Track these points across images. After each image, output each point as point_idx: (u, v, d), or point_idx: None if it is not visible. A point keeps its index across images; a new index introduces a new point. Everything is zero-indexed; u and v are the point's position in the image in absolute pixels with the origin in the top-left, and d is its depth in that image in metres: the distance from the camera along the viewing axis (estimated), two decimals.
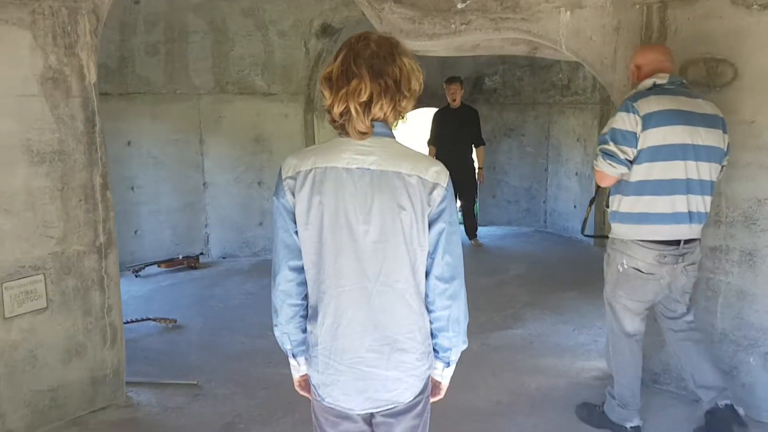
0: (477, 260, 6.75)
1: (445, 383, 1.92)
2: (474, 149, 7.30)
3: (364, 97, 1.62)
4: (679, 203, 2.82)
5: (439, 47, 4.18)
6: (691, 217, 2.86)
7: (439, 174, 1.69)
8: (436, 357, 1.85)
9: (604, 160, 2.85)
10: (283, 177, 1.71)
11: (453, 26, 3.81)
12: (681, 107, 2.80)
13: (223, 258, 6.65)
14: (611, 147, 2.83)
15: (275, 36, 6.23)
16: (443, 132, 7.17)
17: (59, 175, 3.11)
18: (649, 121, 2.76)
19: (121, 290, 3.57)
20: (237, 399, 3.57)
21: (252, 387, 3.69)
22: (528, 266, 6.39)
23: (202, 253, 6.50)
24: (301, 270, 1.75)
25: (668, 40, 3.26)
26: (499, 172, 8.48)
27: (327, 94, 1.68)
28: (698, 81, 3.19)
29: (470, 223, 7.47)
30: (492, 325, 4.77)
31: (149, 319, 4.70)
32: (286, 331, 1.82)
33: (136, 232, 6.29)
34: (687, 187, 2.82)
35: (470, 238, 7.45)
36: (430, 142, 7.34)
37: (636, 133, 2.79)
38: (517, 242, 7.58)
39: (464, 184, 7.26)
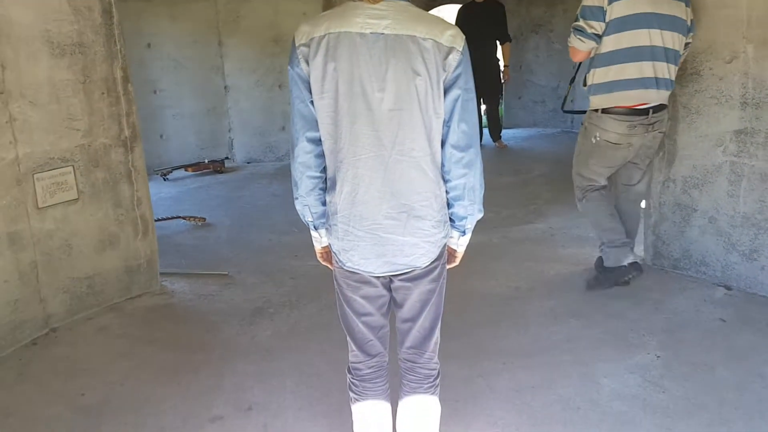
0: (501, 161, 6.74)
1: (460, 251, 1.97)
2: (500, 46, 7.12)
3: None
4: (646, 69, 3.06)
5: None
6: (657, 82, 3.09)
7: (454, 37, 1.66)
8: (452, 226, 1.89)
9: (575, 36, 3.18)
10: (297, 44, 1.69)
11: None
12: None
13: (248, 163, 6.72)
14: (581, 23, 3.13)
15: None
16: (467, 29, 6.71)
17: (80, 68, 3.14)
18: None
19: (151, 192, 3.66)
20: (266, 287, 3.71)
21: (279, 277, 3.82)
22: (552, 166, 6.34)
23: (227, 158, 6.58)
24: (318, 141, 1.77)
25: None
26: (525, 72, 8.29)
27: None
28: None
29: (495, 125, 7.39)
30: (514, 219, 4.81)
31: (179, 217, 4.83)
32: (306, 203, 1.86)
33: (161, 136, 6.36)
34: (652, 53, 3.05)
35: (494, 140, 7.40)
36: None
37: (603, 7, 3.04)
38: (542, 143, 7.50)
39: (489, 85, 7.12)
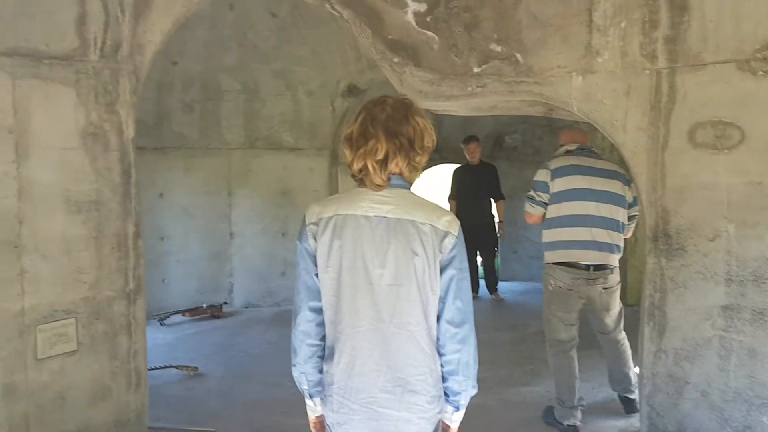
0: (497, 315, 6.79)
1: (454, 428, 1.99)
2: (494, 204, 7.46)
3: (380, 156, 1.78)
4: (584, 233, 3.74)
5: (456, 107, 4.37)
6: (597, 245, 3.73)
7: (450, 223, 1.83)
8: (447, 401, 1.93)
9: (528, 203, 4.05)
10: (307, 222, 1.86)
11: (469, 88, 3.99)
12: (581, 164, 3.84)
13: (246, 307, 6.78)
14: (532, 193, 4.00)
15: (304, 95, 6.52)
16: (463, 188, 7.35)
17: (95, 224, 3.30)
18: (555, 173, 3.87)
19: (147, 337, 3.70)
20: None
21: None
22: None
23: (225, 303, 6.64)
24: (320, 311, 1.88)
25: (677, 104, 3.38)
26: (520, 228, 8.56)
27: (348, 152, 1.84)
28: (707, 143, 3.30)
29: (491, 278, 7.54)
30: (511, 380, 4.78)
31: (172, 366, 4.81)
32: (303, 371, 1.92)
33: (163, 280, 6.47)
34: (590, 221, 3.74)
35: (491, 293, 7.51)
36: (451, 197, 7.51)
37: (546, 182, 3.90)
38: (538, 298, 7.48)
39: (485, 239, 7.40)
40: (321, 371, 1.91)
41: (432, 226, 1.80)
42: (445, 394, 1.92)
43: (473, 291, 7.28)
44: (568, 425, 3.81)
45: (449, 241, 1.81)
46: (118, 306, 3.43)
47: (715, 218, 3.34)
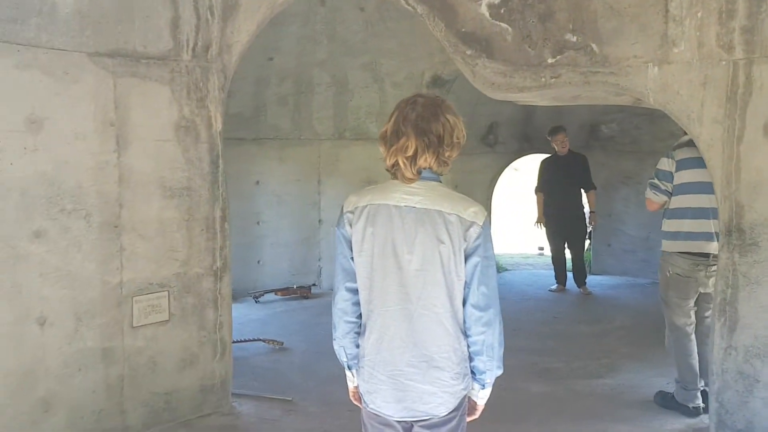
0: (582, 308, 6.72)
1: (481, 404, 2.13)
2: (584, 195, 7.34)
3: (410, 152, 1.94)
4: (706, 225, 3.87)
5: (531, 98, 4.40)
6: (715, 236, 3.79)
7: (476, 214, 1.96)
8: (474, 379, 2.07)
9: (651, 190, 4.16)
10: (344, 211, 2.06)
11: (543, 79, 4.02)
12: (699, 155, 3.69)
13: (332, 289, 7.08)
14: (656, 181, 4.09)
15: (390, 87, 6.71)
16: (551, 179, 7.28)
17: (186, 208, 3.66)
18: (680, 165, 3.98)
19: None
20: (325, 417, 3.90)
21: (339, 408, 4.00)
22: (635, 318, 6.25)
23: (314, 284, 7.00)
24: (355, 291, 2.07)
25: (753, 96, 3.27)
26: (615, 220, 8.35)
27: (382, 149, 2.01)
28: None
29: (579, 271, 7.43)
30: (583, 372, 4.77)
31: (260, 339, 5.19)
32: (342, 345, 2.13)
33: (258, 262, 6.92)
34: (710, 213, 3.82)
35: (578, 286, 7.41)
36: (538, 189, 7.47)
37: (671, 172, 4.01)
38: (630, 293, 7.40)
39: (573, 231, 7.31)
40: (358, 346, 2.10)
41: (458, 216, 1.94)
42: (473, 372, 2.06)
43: (561, 283, 7.38)
44: (693, 407, 3.92)
45: (474, 231, 1.94)
46: (206, 282, 3.79)
47: None
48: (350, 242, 2.04)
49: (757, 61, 3.26)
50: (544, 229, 7.58)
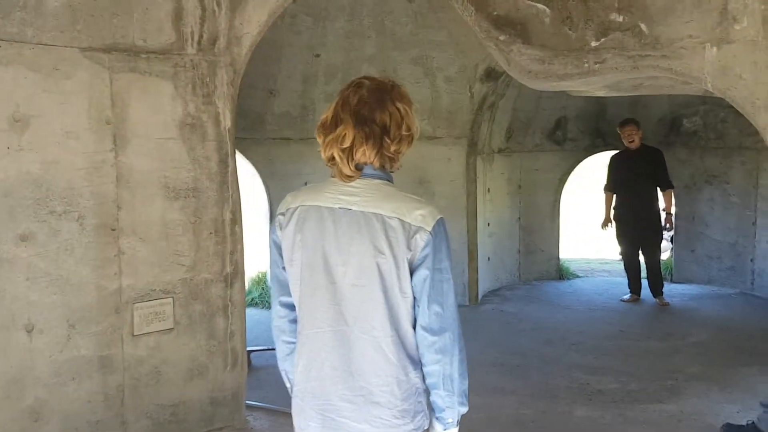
0: (654, 321, 6.10)
1: None
2: (660, 193, 6.68)
3: (346, 144, 1.64)
4: None
5: (575, 87, 3.94)
6: None
7: (424, 217, 1.62)
8: (435, 417, 1.72)
9: None
10: (277, 213, 1.77)
11: (586, 65, 3.57)
12: None
13: None
14: None
15: (442, 82, 6.34)
16: (621, 177, 6.68)
17: (192, 210, 3.48)
18: None
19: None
20: None
21: None
22: (713, 333, 5.58)
23: None
24: (292, 307, 1.79)
25: None
26: (698, 224, 7.57)
27: (319, 139, 1.70)
28: None
29: (655, 279, 6.76)
30: (641, 395, 4.24)
31: None
32: (284, 368, 1.85)
33: None
34: None
35: (654, 296, 6.74)
36: (607, 188, 6.89)
37: None
38: (712, 304, 6.66)
39: (647, 235, 6.68)
40: None
41: (401, 220, 1.61)
42: (433, 410, 1.71)
43: (634, 293, 6.74)
44: None
45: (421, 238, 1.60)
46: (215, 288, 3.60)
47: None
48: (281, 249, 1.75)
49: None
50: (614, 231, 6.97)
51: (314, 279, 1.67)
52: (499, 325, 5.89)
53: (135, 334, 3.34)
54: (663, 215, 6.78)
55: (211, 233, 3.56)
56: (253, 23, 3.56)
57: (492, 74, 6.06)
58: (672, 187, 6.81)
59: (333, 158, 1.67)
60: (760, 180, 6.92)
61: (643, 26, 3.35)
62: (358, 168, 1.66)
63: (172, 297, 3.46)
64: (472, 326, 5.79)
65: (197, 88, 3.45)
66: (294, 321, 1.79)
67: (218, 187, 3.57)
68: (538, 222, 7.75)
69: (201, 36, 3.42)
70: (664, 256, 7.74)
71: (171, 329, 3.46)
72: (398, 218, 1.61)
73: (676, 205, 7.40)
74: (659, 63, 3.33)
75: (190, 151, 3.46)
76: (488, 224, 7.03)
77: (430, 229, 1.61)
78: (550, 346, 5.26)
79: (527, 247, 7.74)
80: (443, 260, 1.63)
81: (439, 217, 1.65)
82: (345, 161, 1.64)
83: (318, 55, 6.31)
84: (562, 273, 7.99)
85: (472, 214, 6.53)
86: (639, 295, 6.86)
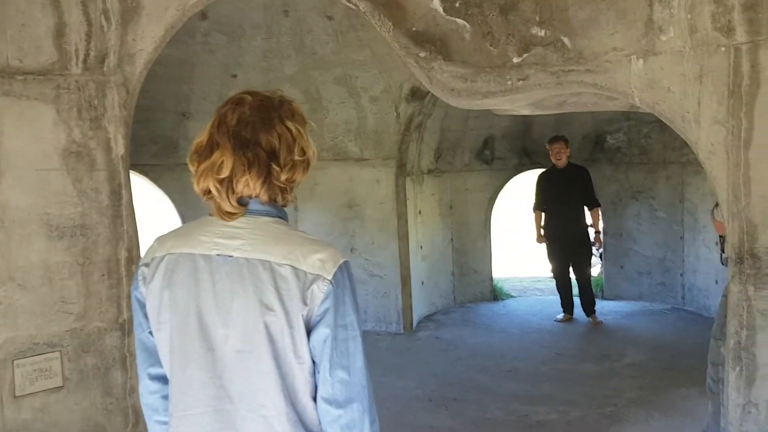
0: (589, 342, 5.98)
1: None
2: (588, 212, 6.65)
3: (224, 173, 1.33)
4: None
5: (500, 105, 3.76)
6: None
7: (323, 263, 1.33)
8: None
9: (717, 210, 3.36)
10: (140, 263, 1.44)
11: (509, 82, 3.38)
12: None
13: None
14: None
15: (367, 102, 6.12)
16: (549, 195, 6.61)
17: (80, 250, 3.07)
18: None
19: None
20: None
21: None
22: (649, 353, 5.50)
23: None
24: (166, 379, 1.44)
25: (762, 87, 2.59)
26: (626, 240, 7.60)
27: (192, 169, 1.39)
28: None
29: (587, 298, 6.69)
30: (582, 425, 4.05)
31: None
32: None
33: None
34: None
35: (587, 315, 6.66)
36: (536, 207, 6.81)
37: None
38: (645, 322, 6.62)
39: (576, 253, 6.62)
40: None
41: (293, 268, 1.31)
42: None
43: (567, 312, 6.63)
44: None
45: (320, 289, 1.32)
46: (110, 338, 3.18)
47: None
48: (145, 309, 1.42)
49: (764, 44, 2.59)
50: (545, 249, 6.88)
51: (187, 347, 1.35)
52: (434, 353, 5.64)
53: (17, 395, 2.89)
54: (592, 232, 6.74)
55: (103, 275, 3.15)
56: (147, 39, 3.20)
57: (417, 93, 5.87)
58: (599, 205, 6.83)
59: (209, 191, 1.36)
60: (686, 194, 6.99)
61: (565, 40, 3.20)
62: (242, 203, 1.37)
63: (60, 350, 3.02)
64: (408, 356, 5.53)
65: (83, 112, 3.06)
66: (167, 397, 1.45)
67: (111, 223, 3.17)
68: (471, 242, 7.60)
69: (87, 54, 3.04)
70: (594, 272, 7.72)
71: (60, 387, 3.02)
72: (291, 265, 1.32)
73: (603, 222, 7.41)
74: (584, 78, 3.18)
75: (76, 182, 3.05)
76: (421, 247, 6.81)
77: (330, 277, 1.33)
78: (486, 374, 5.04)
79: (461, 269, 7.57)
80: (348, 314, 1.35)
81: (342, 261, 1.37)
82: (224, 195, 1.34)
83: (235, 76, 5.99)
84: (496, 294, 7.86)
85: (403, 238, 6.30)
86: (572, 314, 6.78)
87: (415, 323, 6.45)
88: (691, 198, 6.91)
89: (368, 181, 6.26)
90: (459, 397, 4.55)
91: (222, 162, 1.33)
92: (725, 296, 3.11)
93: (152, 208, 9.47)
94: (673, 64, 2.88)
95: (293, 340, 1.31)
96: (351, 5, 3.57)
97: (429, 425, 4.08)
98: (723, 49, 2.71)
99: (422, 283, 6.84)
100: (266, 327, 1.30)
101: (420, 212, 6.79)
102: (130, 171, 6.04)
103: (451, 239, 7.46)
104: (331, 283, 1.33)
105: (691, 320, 6.54)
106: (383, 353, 5.60)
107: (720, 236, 3.89)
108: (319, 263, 1.33)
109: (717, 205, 3.32)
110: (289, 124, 1.40)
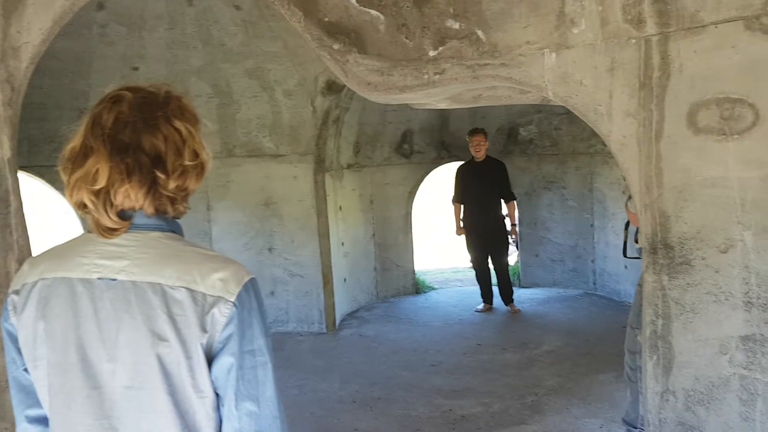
0: (508, 331, 6.06)
1: None
2: (504, 204, 6.75)
3: (100, 183, 1.16)
4: None
5: (418, 99, 3.69)
6: None
7: (225, 282, 1.19)
8: None
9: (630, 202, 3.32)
10: (10, 290, 1.24)
11: (426, 76, 3.31)
12: None
13: None
14: None
15: (281, 96, 5.93)
16: (468, 188, 6.65)
17: None
18: None
19: None
20: None
21: None
22: (565, 339, 5.63)
23: None
24: (47, 421, 1.26)
25: (672, 80, 2.63)
26: (540, 229, 7.78)
27: (64, 178, 1.21)
28: (711, 127, 2.54)
29: (505, 287, 6.80)
30: (505, 417, 4.07)
31: None
32: None
33: None
34: None
35: (506, 304, 6.77)
36: (455, 200, 6.84)
37: None
38: (560, 308, 6.79)
39: (495, 244, 6.71)
40: None
41: (189, 290, 1.16)
42: None
43: (487, 302, 6.71)
44: None
45: (221, 312, 1.17)
46: (1, 359, 2.89)
47: (727, 224, 2.57)
48: (18, 343, 1.24)
49: (674, 35, 2.63)
50: (464, 241, 6.94)
51: (69, 385, 1.18)
52: (358, 351, 5.56)
53: None
54: (508, 224, 6.85)
55: None
56: (34, 31, 2.92)
57: (333, 87, 5.74)
58: (515, 198, 6.94)
59: (84, 205, 1.19)
60: (594, 184, 7.22)
61: (480, 33, 3.16)
62: (125, 217, 1.20)
63: None
64: (331, 356, 5.41)
65: None
66: None
67: None
68: (392, 237, 7.56)
69: None
70: (512, 261, 7.87)
71: None
72: (186, 287, 1.17)
73: (519, 211, 7.55)
74: (499, 72, 3.15)
75: None
76: (342, 243, 6.70)
77: (233, 298, 1.19)
78: (410, 370, 5.00)
79: (383, 264, 7.52)
80: (256, 338, 1.21)
81: (247, 279, 1.23)
82: (101, 208, 1.17)
83: (136, 68, 5.64)
84: (418, 287, 7.86)
85: (324, 235, 6.15)
86: (492, 304, 6.87)
87: (338, 321, 6.34)
88: (599, 187, 7.14)
89: (285, 178, 6.08)
90: (383, 396, 4.48)
91: (97, 170, 1.16)
92: (641, 285, 3.18)
93: (50, 212, 8.88)
94: (585, 57, 2.89)
95: (192, 372, 1.16)
96: None
97: (354, 428, 3.98)
98: (634, 41, 2.74)
99: (345, 279, 6.73)
100: (159, 360, 1.14)
101: (341, 208, 6.67)
102: (25, 173, 5.62)
103: (373, 234, 7.40)
104: (234, 305, 1.19)
105: (603, 305, 6.77)
106: (306, 355, 5.47)
107: (625, 227, 4.01)
108: (220, 283, 1.19)
109: (630, 197, 3.34)
110: (178, 123, 1.23)
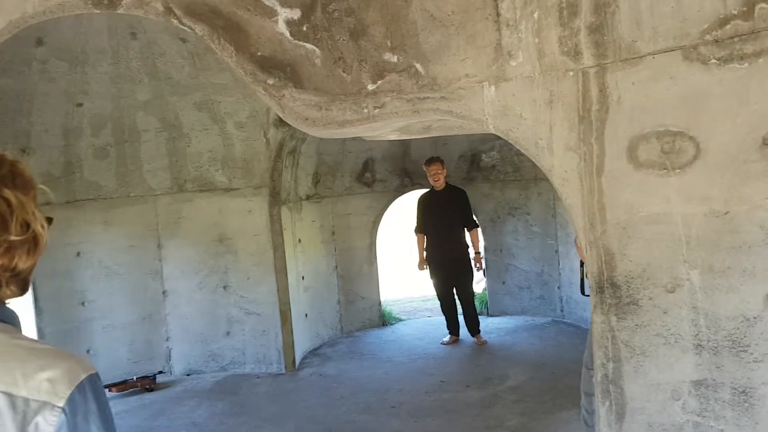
0: (473, 365, 5.89)
1: None
2: (467, 233, 6.61)
3: None
4: None
5: (361, 133, 3.55)
6: None
7: (53, 383, 1.00)
8: None
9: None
10: None
11: (366, 110, 3.18)
12: None
13: (188, 375, 5.96)
14: None
15: (233, 128, 5.77)
16: (429, 217, 6.52)
17: None
18: None
19: None
20: None
21: None
22: (531, 372, 5.47)
23: (161, 372, 5.86)
24: None
25: (611, 112, 2.52)
26: (506, 255, 7.66)
27: None
28: (652, 161, 2.43)
29: (471, 319, 6.64)
30: None
31: None
32: None
33: (88, 351, 5.71)
34: None
35: (472, 335, 6.60)
36: (417, 230, 6.70)
37: None
38: (527, 337, 6.65)
39: (458, 274, 6.55)
40: None
41: (8, 395, 0.98)
42: None
43: (453, 333, 6.53)
44: None
45: (48, 420, 0.99)
46: None
47: (673, 262, 2.45)
48: None
49: (611, 67, 2.52)
50: (428, 272, 6.78)
51: None
52: (317, 393, 5.33)
53: None
54: (472, 253, 6.70)
55: None
56: None
57: None
58: (477, 226, 6.81)
59: None
60: (557, 209, 7.13)
61: (418, 66, 3.04)
62: None
63: None
64: (288, 401, 5.18)
65: None
66: None
67: None
68: (356, 268, 7.38)
69: None
70: (479, 289, 7.73)
71: None
72: (5, 392, 0.98)
73: (484, 238, 7.43)
74: (439, 105, 3.02)
75: None
76: (302, 278, 6.50)
77: (62, 403, 1.00)
78: (369, 413, 4.79)
79: (347, 296, 7.32)
80: None
81: (84, 377, 1.04)
82: None
83: (80, 105, 5.46)
84: (385, 319, 7.67)
85: (281, 270, 5.95)
86: (458, 335, 6.70)
87: (298, 360, 6.11)
88: (562, 213, 7.06)
89: (239, 212, 5.89)
90: None
91: None
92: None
93: None
94: (523, 89, 2.78)
95: None
96: (185, 28, 3.24)
97: None
98: (571, 73, 2.64)
99: (306, 315, 6.53)
100: None
101: (300, 241, 6.49)
102: None
103: (336, 266, 7.21)
104: (63, 411, 1.00)
105: (571, 333, 6.64)
106: (260, 399, 5.23)
107: (581, 263, 3.88)
108: (47, 384, 1.00)
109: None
110: (7, 192, 1.07)
